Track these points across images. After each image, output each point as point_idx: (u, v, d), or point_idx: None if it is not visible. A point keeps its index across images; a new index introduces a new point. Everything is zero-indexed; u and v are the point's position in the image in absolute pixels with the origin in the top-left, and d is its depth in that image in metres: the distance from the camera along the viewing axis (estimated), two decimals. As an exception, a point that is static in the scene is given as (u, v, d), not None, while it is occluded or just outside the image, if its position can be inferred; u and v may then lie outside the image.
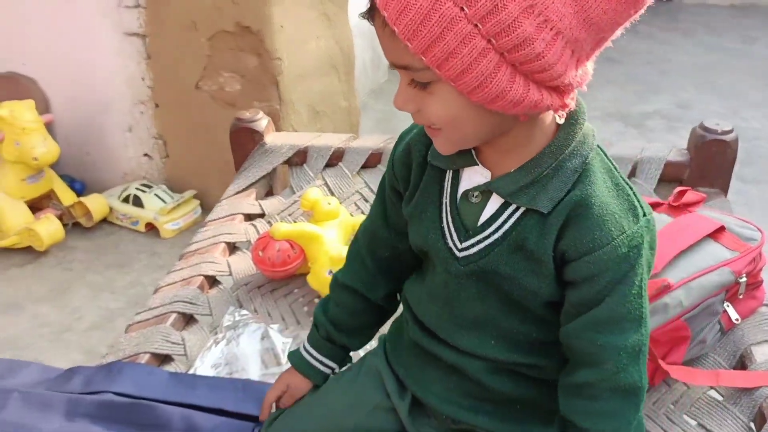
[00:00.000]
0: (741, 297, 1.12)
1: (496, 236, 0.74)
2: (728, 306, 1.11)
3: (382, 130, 3.35)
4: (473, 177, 0.75)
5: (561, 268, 0.72)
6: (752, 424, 1.01)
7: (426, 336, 0.85)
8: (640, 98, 3.91)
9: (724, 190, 1.53)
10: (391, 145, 1.70)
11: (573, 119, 0.71)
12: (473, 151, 0.74)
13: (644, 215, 0.72)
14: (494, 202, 0.74)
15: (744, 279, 1.10)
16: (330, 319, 0.95)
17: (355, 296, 0.93)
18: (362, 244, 0.93)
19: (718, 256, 1.10)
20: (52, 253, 2.47)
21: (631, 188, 0.73)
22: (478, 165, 0.74)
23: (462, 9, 0.57)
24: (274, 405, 0.99)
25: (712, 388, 1.07)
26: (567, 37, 0.60)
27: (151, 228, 2.57)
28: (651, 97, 3.93)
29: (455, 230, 0.77)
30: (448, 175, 0.78)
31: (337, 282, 0.96)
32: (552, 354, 0.79)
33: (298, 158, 1.68)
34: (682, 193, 1.25)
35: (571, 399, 0.77)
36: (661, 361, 1.04)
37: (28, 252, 2.45)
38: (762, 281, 1.16)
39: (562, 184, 0.70)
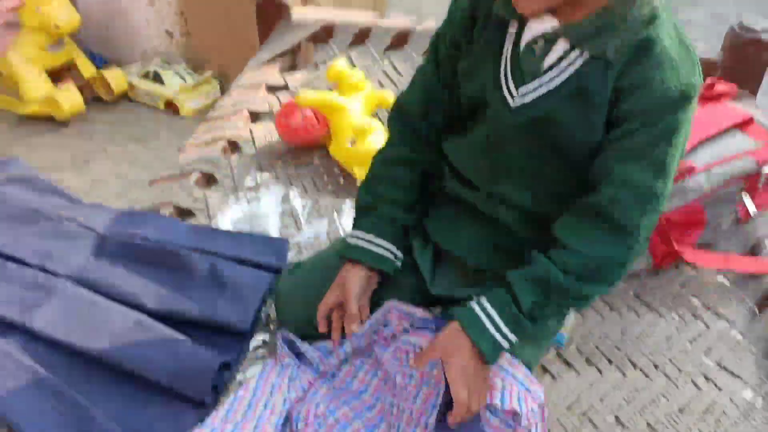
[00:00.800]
0: (760, 189, 1.13)
1: (555, 83, 0.74)
2: (746, 196, 1.12)
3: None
4: (539, 27, 0.74)
5: (612, 109, 0.73)
6: (756, 309, 1.04)
7: (463, 187, 0.87)
8: (676, 8, 3.78)
9: (754, 92, 1.50)
10: (420, 27, 1.68)
11: None
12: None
13: (700, 76, 0.72)
14: (557, 51, 0.74)
15: (766, 170, 1.10)
16: (383, 197, 0.89)
17: (407, 167, 0.89)
18: (414, 111, 0.89)
19: (742, 145, 1.10)
20: (74, 124, 2.48)
21: (694, 50, 0.73)
22: (547, 14, 0.73)
23: None
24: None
25: (720, 273, 1.09)
26: None
27: (171, 106, 2.57)
28: (686, 8, 3.80)
29: (513, 78, 0.77)
30: (513, 26, 0.77)
31: (383, 159, 0.91)
32: None
33: (324, 34, 1.66)
34: (712, 85, 1.23)
35: (566, 217, 0.78)
36: (674, 243, 1.05)
37: (49, 121, 2.46)
38: (783, 176, 1.16)
39: (631, 33, 0.70)
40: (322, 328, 0.87)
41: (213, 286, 0.98)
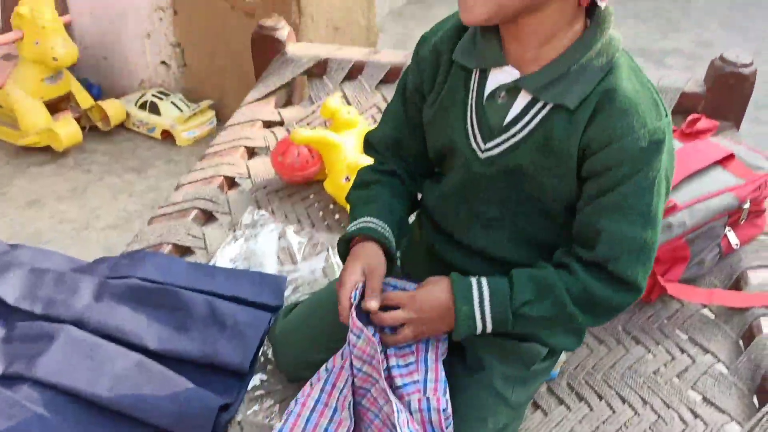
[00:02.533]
0: (742, 223, 1.16)
1: (522, 134, 0.76)
2: (729, 231, 1.15)
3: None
4: (500, 77, 0.76)
5: (582, 161, 0.74)
6: (741, 341, 1.07)
7: (440, 238, 0.88)
8: (662, 35, 3.85)
9: (737, 123, 1.55)
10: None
11: (600, 20, 0.73)
12: (501, 51, 0.75)
13: (666, 116, 0.74)
14: (521, 101, 0.75)
15: (747, 205, 1.14)
16: (377, 190, 0.88)
17: (395, 177, 0.90)
18: (381, 149, 0.91)
19: (724, 182, 1.13)
20: (71, 154, 2.51)
21: (654, 89, 0.74)
22: (507, 65, 0.76)
23: None
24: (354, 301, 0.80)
25: (705, 306, 1.12)
26: None
27: (167, 135, 2.60)
28: (673, 34, 3.86)
29: (479, 131, 0.78)
30: (475, 76, 0.78)
31: (369, 168, 0.92)
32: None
33: (318, 69, 1.70)
34: (695, 121, 1.27)
35: (568, 251, 0.78)
36: (659, 278, 1.09)
37: (47, 152, 2.49)
38: (764, 210, 1.20)
39: (589, 81, 0.72)
40: (344, 319, 0.79)
41: (213, 327, 1.00)
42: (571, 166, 0.75)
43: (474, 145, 0.79)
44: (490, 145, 0.78)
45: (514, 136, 0.76)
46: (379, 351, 0.78)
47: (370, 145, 0.94)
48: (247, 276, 1.14)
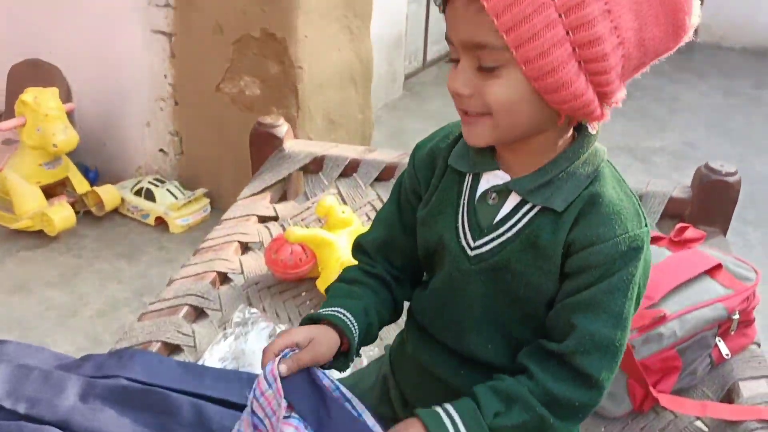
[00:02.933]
0: (732, 333, 1.17)
1: (509, 234, 0.79)
2: (720, 341, 1.16)
3: (393, 144, 3.40)
4: (492, 180, 0.81)
5: (565, 260, 0.77)
6: (734, 456, 1.05)
7: (426, 347, 0.88)
8: (648, 133, 3.97)
9: (724, 230, 1.57)
10: (406, 160, 1.77)
11: (587, 134, 0.79)
12: (494, 158, 0.80)
13: (646, 225, 0.77)
14: (510, 202, 0.79)
15: (737, 316, 1.15)
16: (355, 290, 0.89)
17: (377, 279, 0.90)
18: (371, 250, 0.91)
19: (713, 292, 1.15)
20: (63, 239, 2.51)
21: (637, 199, 0.79)
22: (499, 169, 0.80)
23: None
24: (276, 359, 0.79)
25: (698, 418, 1.11)
26: (625, 49, 0.68)
27: (161, 222, 2.62)
28: (659, 133, 3.99)
29: (470, 229, 0.81)
30: (468, 179, 0.83)
31: (353, 267, 0.93)
32: None
33: (314, 166, 1.74)
34: (683, 230, 1.29)
35: (533, 350, 0.79)
36: (651, 389, 1.08)
37: (40, 236, 2.49)
38: (754, 320, 1.21)
39: (575, 187, 0.76)
40: (263, 361, 0.79)
41: (199, 431, 0.98)
42: (556, 264, 0.77)
43: (463, 243, 0.82)
44: (479, 243, 0.80)
45: (502, 234, 0.79)
46: (283, 408, 0.75)
47: (360, 248, 0.95)
48: (235, 377, 1.12)
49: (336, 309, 0.84)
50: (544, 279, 0.78)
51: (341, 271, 0.95)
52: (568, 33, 0.66)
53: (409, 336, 0.93)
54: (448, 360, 0.86)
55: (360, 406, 0.78)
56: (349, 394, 0.79)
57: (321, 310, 0.85)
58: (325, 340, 0.81)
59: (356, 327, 0.84)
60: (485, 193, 0.80)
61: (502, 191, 0.80)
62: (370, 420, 0.77)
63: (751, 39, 5.63)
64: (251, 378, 1.13)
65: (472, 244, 0.81)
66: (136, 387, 1.05)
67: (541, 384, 0.76)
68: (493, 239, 0.80)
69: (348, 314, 0.84)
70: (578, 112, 0.72)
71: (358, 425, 0.77)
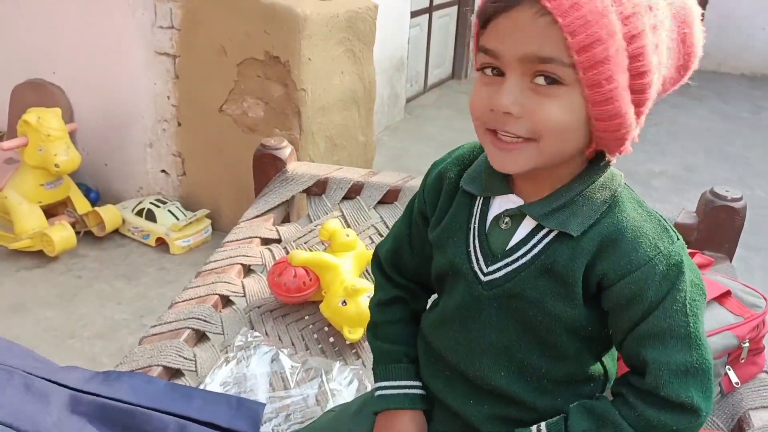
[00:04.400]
0: (743, 361, 1.15)
1: (524, 260, 0.76)
2: (729, 369, 1.14)
3: (394, 166, 3.40)
4: (504, 204, 0.79)
5: (599, 294, 0.75)
6: (746, 488, 1.03)
7: (438, 375, 0.87)
8: (648, 158, 3.99)
9: (730, 255, 1.56)
10: (409, 183, 1.76)
11: (602, 159, 0.76)
12: (508, 182, 0.78)
13: (678, 239, 0.74)
14: (525, 228, 0.77)
15: (747, 344, 1.13)
16: (392, 339, 0.92)
17: (402, 304, 0.93)
18: (387, 266, 0.94)
19: (722, 320, 1.13)
20: (63, 259, 2.50)
21: (662, 217, 0.76)
22: (512, 193, 0.78)
23: (621, 22, 0.65)
24: None
25: (709, 448, 1.09)
26: (658, 84, 0.70)
27: (161, 243, 2.60)
28: (658, 157, 4.01)
29: (482, 254, 0.79)
30: (478, 202, 0.81)
31: (378, 302, 0.95)
32: (556, 395, 0.81)
33: (318, 188, 1.73)
34: (691, 256, 1.28)
35: (622, 380, 0.77)
36: (661, 418, 1.06)
37: (39, 256, 2.48)
38: (764, 348, 1.19)
39: (592, 212, 0.73)
40: None
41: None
42: (575, 291, 0.75)
43: (476, 268, 0.80)
44: (492, 268, 0.78)
45: (516, 260, 0.77)
46: None
47: (377, 257, 0.97)
48: (224, 400, 1.10)
49: (395, 391, 0.88)
50: (562, 306, 0.75)
51: (371, 305, 0.97)
52: (628, 59, 0.66)
53: (420, 359, 0.91)
54: (459, 387, 0.85)
55: None
56: None
57: (377, 389, 0.90)
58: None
59: (418, 384, 0.89)
60: (498, 217, 0.79)
61: (516, 216, 0.77)
62: None
63: (748, 65, 5.68)
64: (240, 402, 1.11)
65: (485, 270, 0.79)
66: (120, 406, 1.03)
67: (635, 409, 0.74)
68: (507, 265, 0.78)
69: (406, 383, 0.89)
70: (616, 141, 0.71)
71: None
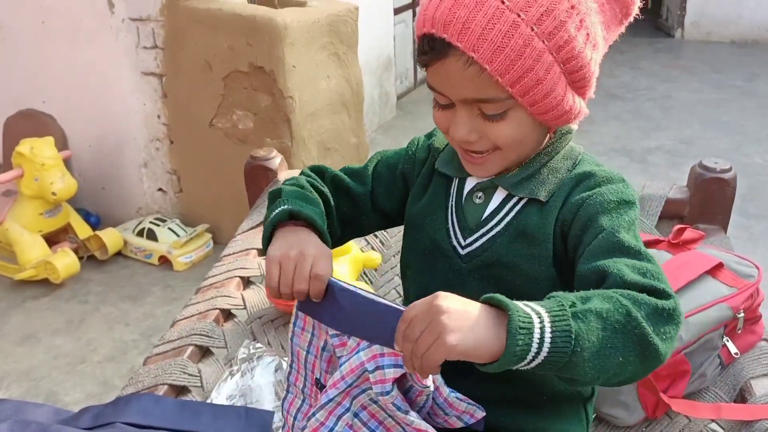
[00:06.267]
0: (740, 332, 1.16)
1: (498, 228, 0.81)
2: (727, 340, 1.15)
3: (390, 165, 3.41)
4: (477, 179, 0.84)
5: (563, 242, 0.78)
6: (752, 457, 1.03)
7: None
8: (643, 134, 3.98)
9: (724, 226, 1.57)
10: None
11: (564, 131, 0.83)
12: None
13: (633, 192, 0.79)
14: (497, 199, 0.82)
15: (742, 314, 1.14)
16: (304, 185, 0.90)
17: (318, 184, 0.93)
18: (327, 174, 0.95)
19: (716, 293, 1.14)
20: (68, 285, 2.52)
21: (622, 176, 0.81)
22: None
23: (544, 42, 0.68)
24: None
25: (713, 421, 1.10)
26: (596, 51, 0.74)
27: (164, 261, 2.62)
28: (654, 133, 4.00)
29: (460, 230, 0.84)
30: (455, 182, 0.86)
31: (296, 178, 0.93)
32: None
33: (310, 195, 1.74)
34: (681, 231, 1.29)
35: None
36: (662, 395, 1.07)
37: (45, 284, 2.50)
38: (761, 316, 1.19)
39: (557, 179, 0.80)
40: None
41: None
42: (548, 249, 0.78)
43: (455, 243, 0.84)
44: (469, 240, 0.83)
45: (491, 230, 0.82)
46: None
47: (318, 169, 0.96)
48: (232, 412, 1.12)
49: (311, 212, 0.83)
50: (537, 267, 0.79)
51: (291, 180, 0.93)
52: (561, 66, 0.71)
53: None
54: (450, 363, 0.85)
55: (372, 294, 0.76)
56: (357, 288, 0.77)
57: (294, 208, 0.82)
58: (319, 246, 0.80)
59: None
60: (471, 191, 0.84)
61: (488, 188, 0.83)
62: (387, 301, 0.73)
63: (738, 32, 5.65)
64: (249, 412, 1.13)
65: (463, 243, 0.83)
66: (131, 430, 1.04)
67: (616, 287, 0.67)
68: (482, 235, 0.82)
69: (319, 220, 0.83)
70: (570, 120, 0.77)
71: (382, 307, 0.72)
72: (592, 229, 0.75)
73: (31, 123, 2.75)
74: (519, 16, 0.67)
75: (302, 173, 0.96)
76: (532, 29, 0.68)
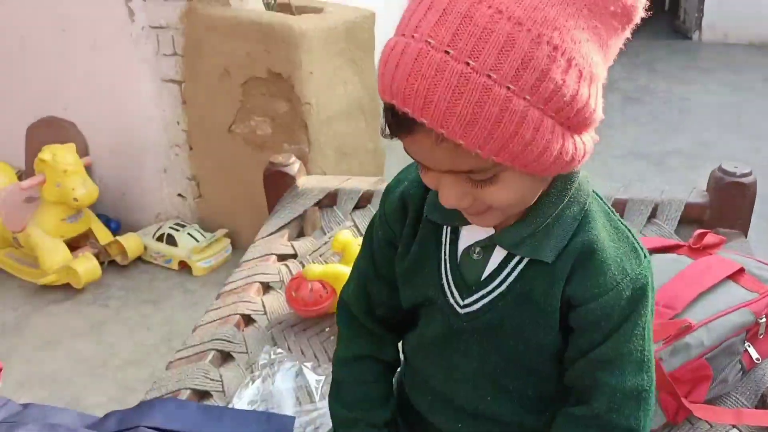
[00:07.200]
0: (761, 337, 1.15)
1: (500, 289, 0.75)
2: (749, 346, 1.14)
3: (406, 170, 3.41)
4: (473, 232, 0.76)
5: (567, 314, 0.74)
6: (775, 463, 1.03)
7: (424, 398, 0.87)
8: (661, 137, 3.95)
9: (744, 231, 1.56)
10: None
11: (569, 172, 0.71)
12: None
13: (645, 257, 0.74)
14: (497, 256, 0.75)
15: (764, 319, 1.13)
16: (356, 404, 0.88)
17: (368, 362, 0.89)
18: (356, 308, 0.89)
19: (737, 297, 1.13)
20: (89, 290, 2.55)
21: (629, 231, 0.75)
22: None
23: (526, 99, 0.56)
24: None
25: (734, 426, 1.09)
26: (595, 82, 0.60)
27: (184, 266, 2.65)
28: (672, 136, 3.97)
29: (456, 287, 0.77)
30: (446, 230, 0.77)
31: (342, 360, 0.91)
32: (543, 411, 0.81)
33: (329, 200, 1.75)
34: (702, 236, 1.29)
35: (564, 425, 0.77)
36: (683, 400, 1.07)
37: (66, 289, 2.53)
38: (782, 322, 1.19)
39: (564, 232, 0.71)
40: None
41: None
42: (555, 318, 0.74)
43: (452, 301, 0.77)
44: (468, 300, 0.76)
45: (493, 291, 0.75)
46: None
47: (344, 305, 0.92)
48: (254, 417, 1.13)
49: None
50: (542, 334, 0.75)
51: (334, 362, 0.95)
52: (553, 117, 0.58)
53: (405, 380, 0.92)
54: (445, 409, 0.85)
55: None
56: None
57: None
58: None
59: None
60: (468, 247, 0.76)
61: (487, 245, 0.75)
62: None
63: (756, 33, 5.60)
64: (270, 417, 1.14)
65: (461, 302, 0.77)
66: (152, 433, 1.06)
67: (598, 409, 0.74)
68: (483, 296, 0.76)
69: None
70: (575, 166, 0.65)
71: None
72: (601, 331, 0.72)
73: (53, 130, 2.79)
74: (489, 77, 0.54)
75: (353, 319, 0.91)
76: (508, 88, 0.55)
